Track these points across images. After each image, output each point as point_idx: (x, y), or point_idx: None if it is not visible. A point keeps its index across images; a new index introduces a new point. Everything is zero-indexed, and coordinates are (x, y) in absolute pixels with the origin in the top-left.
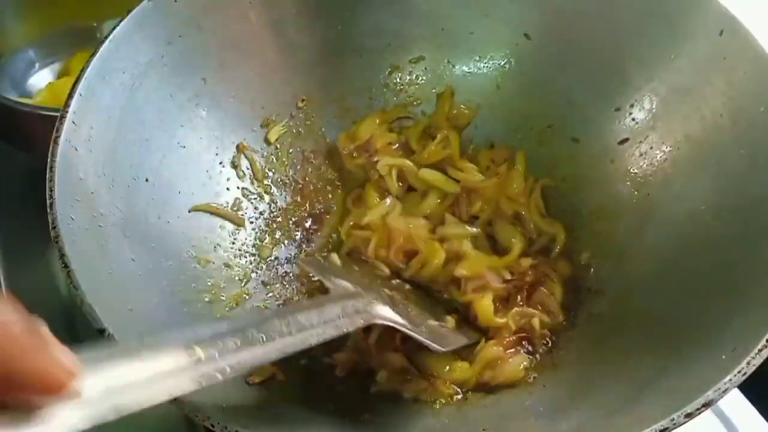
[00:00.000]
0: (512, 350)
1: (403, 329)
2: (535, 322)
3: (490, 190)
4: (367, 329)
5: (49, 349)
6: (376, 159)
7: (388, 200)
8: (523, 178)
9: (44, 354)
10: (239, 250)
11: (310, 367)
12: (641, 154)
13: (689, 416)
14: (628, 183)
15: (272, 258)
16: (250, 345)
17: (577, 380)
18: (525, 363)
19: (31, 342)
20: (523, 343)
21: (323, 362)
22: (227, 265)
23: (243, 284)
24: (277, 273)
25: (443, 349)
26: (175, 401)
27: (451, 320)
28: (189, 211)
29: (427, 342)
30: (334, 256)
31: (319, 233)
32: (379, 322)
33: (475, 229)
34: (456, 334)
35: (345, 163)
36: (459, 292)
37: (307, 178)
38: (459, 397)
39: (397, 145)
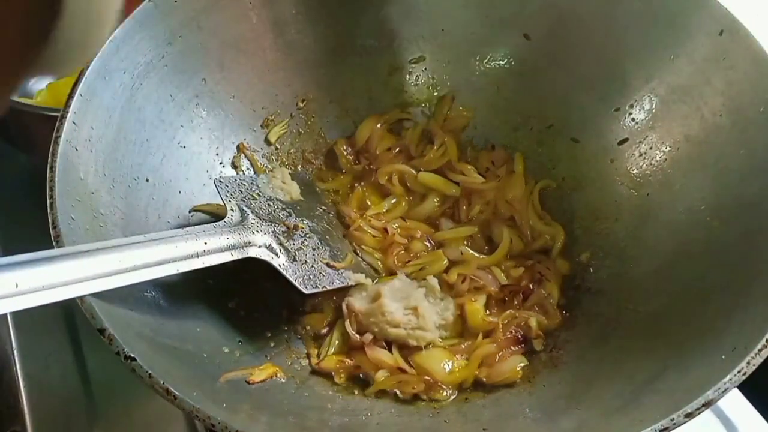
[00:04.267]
0: (508, 349)
1: (275, 266)
2: (532, 322)
3: (490, 193)
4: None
5: None
6: (375, 167)
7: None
8: (523, 181)
9: None
10: None
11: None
12: (641, 155)
13: (689, 416)
14: (628, 183)
15: None
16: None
17: (577, 380)
18: (522, 363)
19: None
20: (520, 343)
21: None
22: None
23: None
24: (277, 274)
25: (307, 291)
26: (176, 401)
27: (349, 258)
28: (189, 211)
29: (294, 282)
30: (273, 174)
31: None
32: (253, 255)
33: (470, 228)
34: (341, 273)
35: (343, 167)
36: (452, 292)
37: (307, 178)
38: (454, 397)
39: (398, 149)
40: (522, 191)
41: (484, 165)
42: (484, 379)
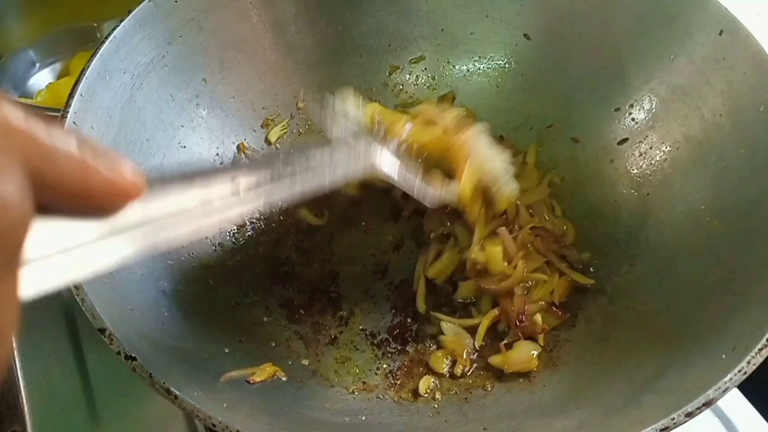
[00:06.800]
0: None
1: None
2: (537, 318)
3: None
4: None
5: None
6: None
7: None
8: (535, 173)
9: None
10: (240, 250)
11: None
12: (641, 154)
13: (689, 415)
14: (628, 183)
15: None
16: (279, 179)
17: (577, 379)
18: (536, 351)
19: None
20: (526, 338)
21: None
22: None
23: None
24: (278, 273)
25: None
26: (176, 400)
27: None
28: None
29: (420, 198)
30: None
31: None
32: (382, 172)
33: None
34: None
35: None
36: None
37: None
38: (454, 395)
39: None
40: (535, 183)
41: None
42: (504, 368)
